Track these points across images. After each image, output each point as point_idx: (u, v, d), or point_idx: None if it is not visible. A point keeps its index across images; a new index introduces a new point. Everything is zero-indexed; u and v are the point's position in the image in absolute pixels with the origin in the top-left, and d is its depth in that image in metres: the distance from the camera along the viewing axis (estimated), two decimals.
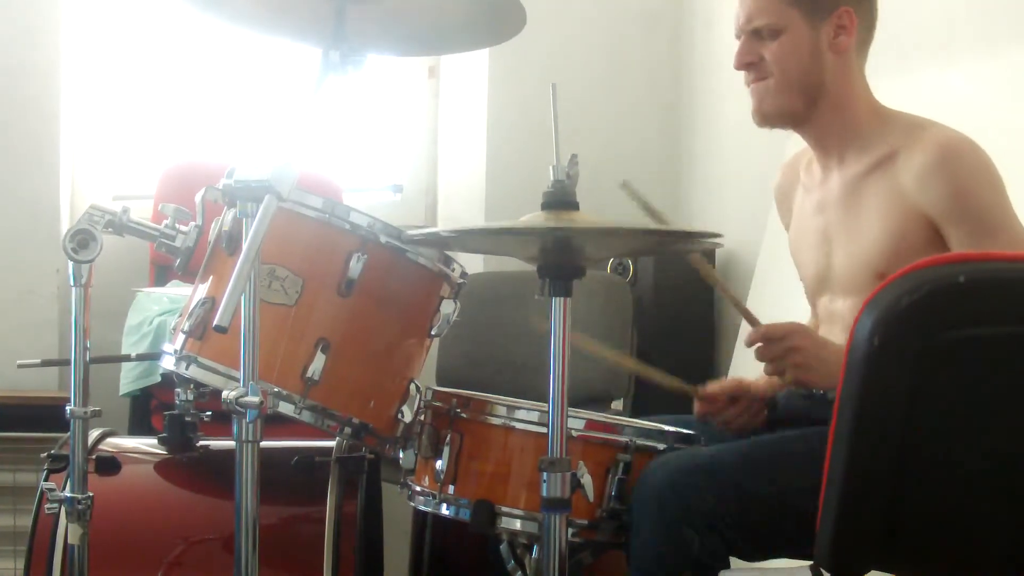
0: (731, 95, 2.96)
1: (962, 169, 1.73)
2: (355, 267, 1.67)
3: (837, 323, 1.89)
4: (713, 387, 1.91)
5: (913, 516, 1.36)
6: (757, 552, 1.66)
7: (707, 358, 3.24)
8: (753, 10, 1.85)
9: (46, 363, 2.19)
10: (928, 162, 1.73)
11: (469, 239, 1.79)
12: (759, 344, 1.74)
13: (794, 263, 2.04)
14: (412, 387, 1.77)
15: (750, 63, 1.86)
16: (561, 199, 1.51)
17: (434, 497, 1.70)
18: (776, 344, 1.73)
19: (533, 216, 1.51)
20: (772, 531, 1.64)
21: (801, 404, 1.89)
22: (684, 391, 1.87)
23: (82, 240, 1.70)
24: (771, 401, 1.95)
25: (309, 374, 1.65)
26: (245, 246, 1.40)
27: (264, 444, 1.50)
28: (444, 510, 1.70)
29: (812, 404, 1.85)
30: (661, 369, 1.88)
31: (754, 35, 1.85)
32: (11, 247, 3.04)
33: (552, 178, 1.51)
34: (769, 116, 1.87)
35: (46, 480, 1.84)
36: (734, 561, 1.63)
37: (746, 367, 2.94)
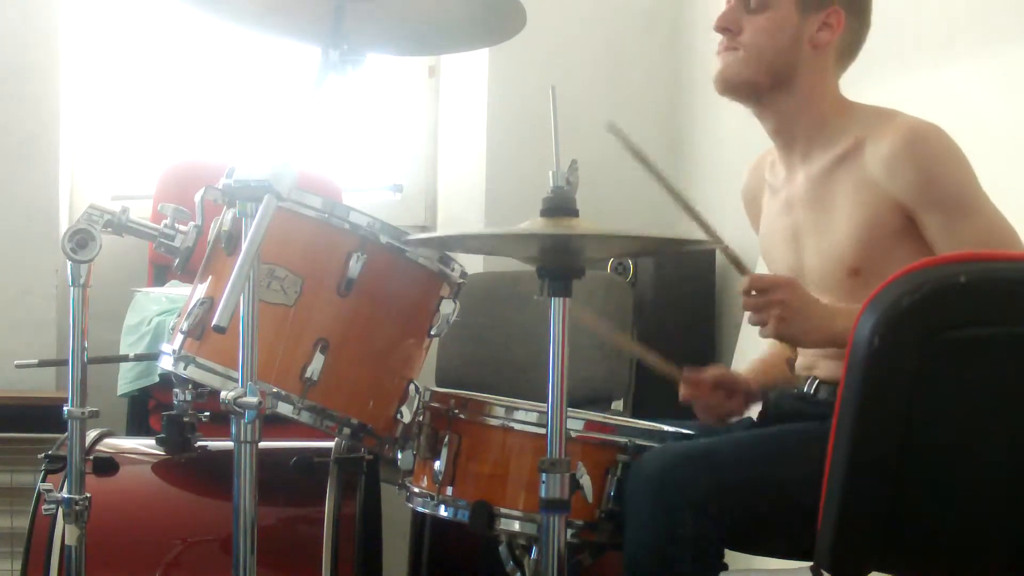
0: None
1: (931, 153, 1.73)
2: (354, 267, 1.66)
3: None
4: (699, 373, 1.92)
5: (913, 517, 1.36)
6: (753, 542, 1.64)
7: (707, 358, 3.23)
8: None
9: (44, 363, 2.19)
10: (895, 149, 1.72)
11: (468, 240, 1.79)
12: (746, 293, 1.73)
13: (766, 265, 2.03)
14: (411, 388, 1.77)
15: (727, 28, 1.85)
16: (560, 206, 1.51)
17: (432, 498, 1.70)
18: (761, 295, 1.71)
19: (532, 222, 1.51)
20: (767, 521, 1.63)
21: (793, 404, 1.89)
22: (672, 375, 1.88)
23: (81, 240, 1.70)
24: (763, 396, 1.95)
25: (308, 374, 1.64)
26: (244, 246, 1.40)
27: (262, 445, 1.50)
28: (442, 511, 1.69)
29: (803, 403, 1.85)
30: (656, 354, 1.89)
31: (741, 3, 1.84)
32: (9, 247, 3.04)
33: (552, 184, 1.51)
34: (730, 84, 1.86)
35: (43, 481, 1.83)
36: (734, 562, 1.63)
37: (746, 368, 2.93)
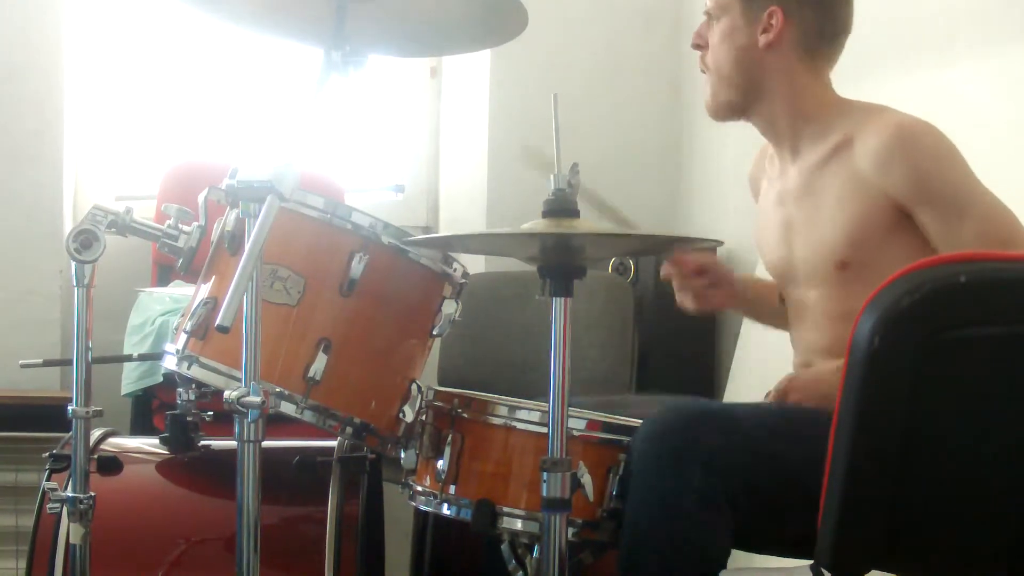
0: None
1: (921, 148, 1.73)
2: (357, 267, 1.67)
3: (806, 317, 1.89)
4: (684, 255, 1.93)
5: (914, 516, 1.36)
6: (755, 517, 1.63)
7: (708, 358, 3.24)
8: None
9: (48, 363, 2.19)
10: (885, 144, 1.73)
11: (470, 241, 1.79)
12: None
13: (759, 256, 2.04)
14: (414, 387, 1.77)
15: (698, 45, 1.91)
16: (562, 207, 1.52)
17: (435, 497, 1.71)
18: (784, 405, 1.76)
19: (534, 224, 1.51)
20: (772, 494, 1.62)
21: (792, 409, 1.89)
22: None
23: (85, 240, 1.70)
24: (746, 301, 1.99)
25: (311, 374, 1.65)
26: (247, 246, 1.40)
27: (265, 444, 1.50)
28: (445, 510, 1.70)
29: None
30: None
31: (708, 17, 1.90)
32: (13, 247, 3.04)
33: (553, 187, 1.52)
34: (714, 110, 1.92)
35: (48, 480, 1.84)
36: (734, 561, 1.63)
37: (746, 367, 2.95)
